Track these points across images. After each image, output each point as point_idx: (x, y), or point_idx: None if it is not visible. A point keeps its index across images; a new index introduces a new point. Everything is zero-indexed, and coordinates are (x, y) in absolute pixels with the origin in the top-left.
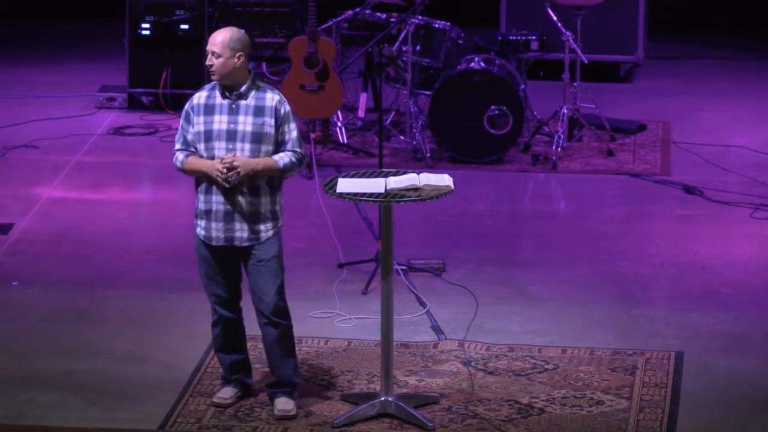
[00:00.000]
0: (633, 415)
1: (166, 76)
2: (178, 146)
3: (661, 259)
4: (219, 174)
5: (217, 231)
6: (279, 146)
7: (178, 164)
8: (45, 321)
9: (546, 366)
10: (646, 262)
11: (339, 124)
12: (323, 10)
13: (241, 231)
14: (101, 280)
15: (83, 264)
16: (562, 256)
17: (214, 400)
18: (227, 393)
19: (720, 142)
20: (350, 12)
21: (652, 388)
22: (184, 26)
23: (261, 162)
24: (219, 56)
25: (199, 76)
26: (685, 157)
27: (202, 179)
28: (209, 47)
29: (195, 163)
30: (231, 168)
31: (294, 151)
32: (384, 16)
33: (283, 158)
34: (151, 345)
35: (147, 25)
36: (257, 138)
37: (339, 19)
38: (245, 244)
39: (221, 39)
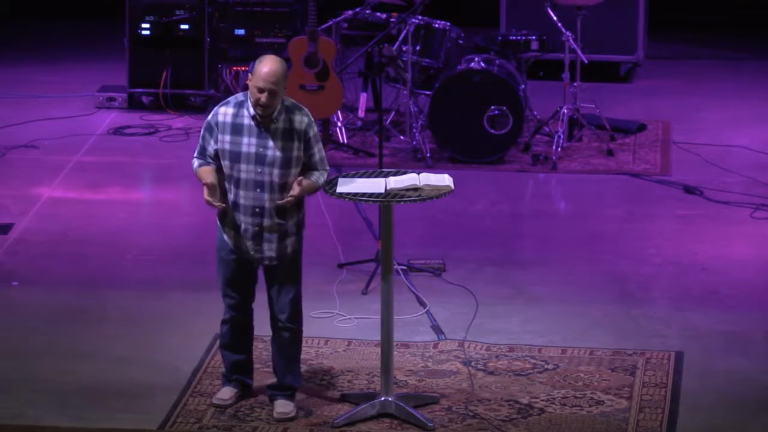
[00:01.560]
0: (633, 415)
1: (166, 76)
2: (195, 154)
3: (661, 259)
4: (208, 201)
5: (244, 247)
6: (306, 167)
7: (193, 169)
8: (45, 321)
9: (546, 366)
10: (646, 262)
11: (339, 124)
12: (323, 10)
13: (269, 250)
14: (101, 280)
15: (83, 264)
16: (562, 256)
17: (214, 401)
18: (226, 394)
19: (720, 142)
20: (350, 12)
21: (652, 388)
22: (184, 26)
23: (307, 186)
24: (275, 94)
25: (199, 76)
26: (685, 157)
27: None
28: (264, 84)
29: (203, 175)
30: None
31: (325, 170)
32: (384, 16)
33: (318, 178)
34: (151, 345)
35: (147, 25)
36: (287, 163)
37: (339, 19)
38: (275, 263)
39: (275, 77)
